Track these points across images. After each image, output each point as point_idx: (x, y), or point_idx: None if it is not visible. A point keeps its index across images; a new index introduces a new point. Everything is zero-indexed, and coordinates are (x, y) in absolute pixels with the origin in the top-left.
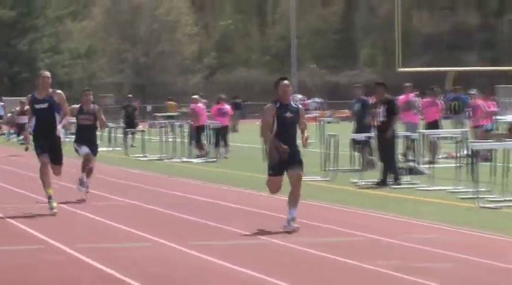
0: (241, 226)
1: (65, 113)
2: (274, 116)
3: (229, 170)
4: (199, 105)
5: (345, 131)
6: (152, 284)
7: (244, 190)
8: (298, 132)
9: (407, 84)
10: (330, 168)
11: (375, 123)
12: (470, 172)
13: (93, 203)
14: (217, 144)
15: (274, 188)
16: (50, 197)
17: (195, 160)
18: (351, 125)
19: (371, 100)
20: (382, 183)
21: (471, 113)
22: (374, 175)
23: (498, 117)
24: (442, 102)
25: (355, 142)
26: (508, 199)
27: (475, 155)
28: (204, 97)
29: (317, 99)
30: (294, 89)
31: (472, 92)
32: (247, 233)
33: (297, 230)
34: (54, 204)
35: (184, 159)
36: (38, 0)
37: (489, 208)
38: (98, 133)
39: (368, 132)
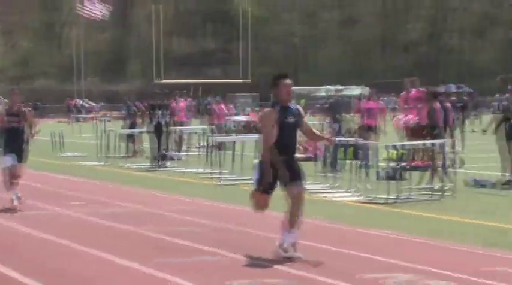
0: (49, 201)
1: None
2: (276, 122)
3: (31, 157)
4: None
5: (117, 127)
6: None
7: (48, 174)
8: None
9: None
10: (108, 155)
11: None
12: (210, 159)
13: None
14: None
15: (262, 205)
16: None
17: None
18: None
19: (141, 105)
20: (151, 166)
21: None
22: (141, 161)
23: (235, 118)
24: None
25: (127, 136)
26: (241, 178)
27: (216, 146)
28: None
29: (97, 104)
30: (80, 96)
31: (217, 98)
32: (52, 207)
33: (297, 260)
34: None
35: None
36: None
37: (228, 185)
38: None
39: (134, 128)
